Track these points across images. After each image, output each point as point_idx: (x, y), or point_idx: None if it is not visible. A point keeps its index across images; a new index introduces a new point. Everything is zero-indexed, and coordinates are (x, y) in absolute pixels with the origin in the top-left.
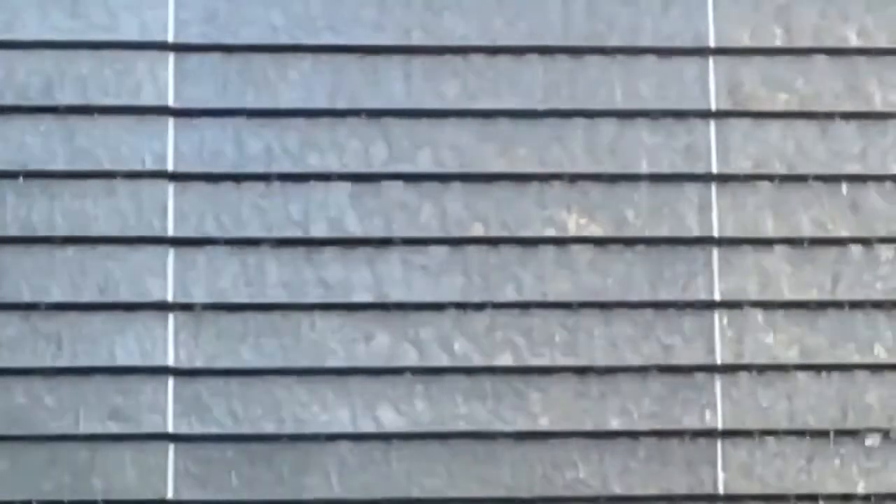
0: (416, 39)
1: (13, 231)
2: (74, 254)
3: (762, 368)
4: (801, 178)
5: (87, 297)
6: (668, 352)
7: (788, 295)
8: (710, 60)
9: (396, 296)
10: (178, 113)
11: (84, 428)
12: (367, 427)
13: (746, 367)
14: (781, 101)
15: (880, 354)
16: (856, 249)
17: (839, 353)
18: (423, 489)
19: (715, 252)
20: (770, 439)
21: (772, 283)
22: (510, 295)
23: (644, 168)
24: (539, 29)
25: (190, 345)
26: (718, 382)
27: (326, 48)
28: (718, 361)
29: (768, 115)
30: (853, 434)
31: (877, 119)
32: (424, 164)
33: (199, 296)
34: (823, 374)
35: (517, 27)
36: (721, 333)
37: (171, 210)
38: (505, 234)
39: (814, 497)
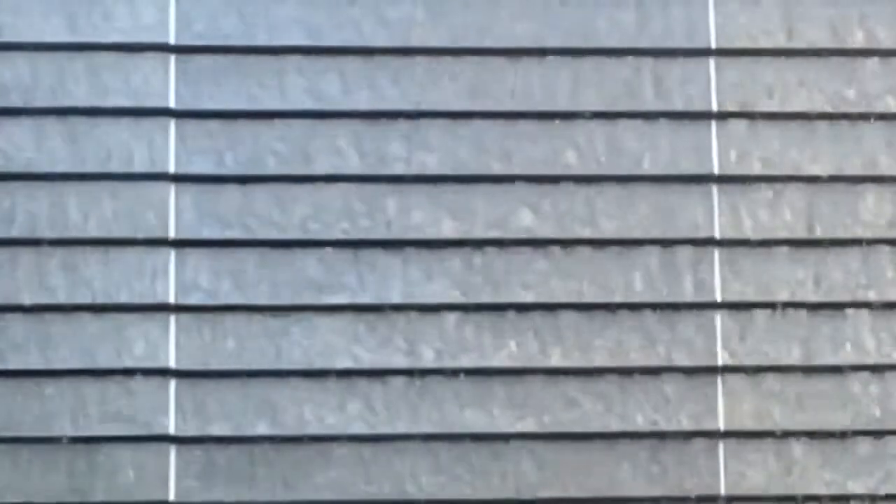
0: (416, 41)
1: (14, 232)
2: (76, 255)
3: (763, 370)
4: (802, 179)
5: (88, 299)
6: (669, 353)
7: (790, 296)
8: (711, 61)
9: (400, 298)
10: (180, 115)
11: (85, 430)
12: (368, 429)
13: (747, 369)
14: (783, 101)
15: (880, 355)
16: (857, 252)
17: (840, 354)
18: (423, 490)
19: (716, 253)
20: (771, 440)
21: (773, 284)
22: (510, 296)
23: (644, 169)
24: (536, 29)
25: (191, 346)
26: (720, 383)
27: (329, 49)
28: (720, 362)
29: (769, 116)
30: (855, 435)
31: (878, 120)
32: (430, 165)
33: (200, 298)
34: (824, 375)
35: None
36: (722, 334)
37: (173, 212)
38: (505, 235)
39: (816, 498)
